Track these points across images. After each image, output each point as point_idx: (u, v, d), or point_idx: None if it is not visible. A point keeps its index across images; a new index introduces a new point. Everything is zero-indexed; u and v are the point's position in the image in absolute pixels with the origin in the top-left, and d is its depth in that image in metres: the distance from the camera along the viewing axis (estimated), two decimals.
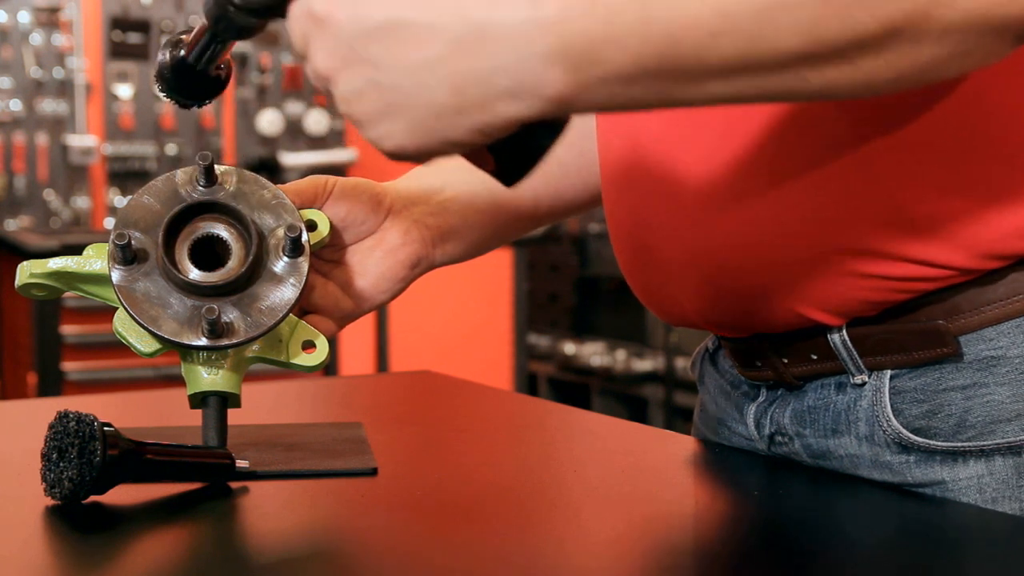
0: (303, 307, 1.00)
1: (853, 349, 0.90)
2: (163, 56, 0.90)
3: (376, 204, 1.01)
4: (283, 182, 0.99)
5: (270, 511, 0.89)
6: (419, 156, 0.74)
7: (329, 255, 1.01)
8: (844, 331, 0.90)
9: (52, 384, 3.71)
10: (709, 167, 0.90)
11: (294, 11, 0.76)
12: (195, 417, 0.97)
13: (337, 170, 5.56)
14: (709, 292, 0.94)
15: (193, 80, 0.90)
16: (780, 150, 0.87)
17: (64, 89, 5.37)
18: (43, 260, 0.97)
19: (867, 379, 0.91)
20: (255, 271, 0.94)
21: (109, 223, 5.32)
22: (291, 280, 0.94)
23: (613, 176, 1.00)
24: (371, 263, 1.01)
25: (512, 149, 0.75)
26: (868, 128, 0.85)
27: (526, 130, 0.73)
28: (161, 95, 0.91)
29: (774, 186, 0.88)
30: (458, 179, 1.05)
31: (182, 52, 0.89)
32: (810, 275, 0.89)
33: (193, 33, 0.88)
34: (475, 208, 1.06)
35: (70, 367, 3.74)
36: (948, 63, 0.71)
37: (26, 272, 0.97)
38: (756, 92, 0.71)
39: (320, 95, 5.76)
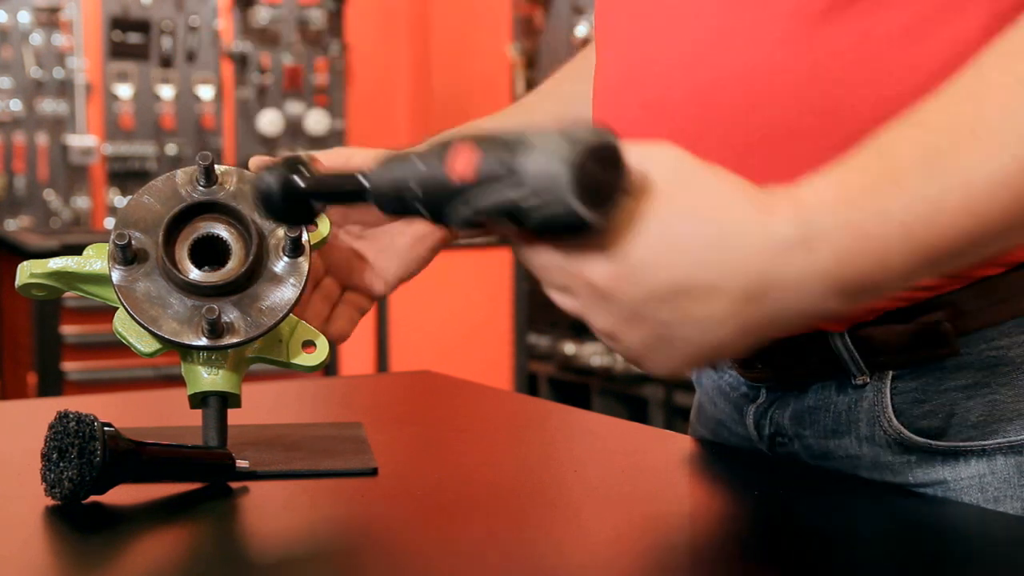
0: (343, 283, 1.03)
1: (854, 351, 0.90)
2: (273, 180, 0.83)
3: None
4: None
5: (270, 511, 0.89)
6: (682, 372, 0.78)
7: (358, 233, 1.04)
8: (846, 334, 0.90)
9: (52, 384, 3.72)
10: None
11: (551, 263, 0.75)
12: (195, 417, 0.97)
13: None
14: None
15: (301, 206, 0.85)
16: (782, 161, 0.86)
17: (64, 89, 5.38)
18: (43, 260, 0.97)
19: (868, 380, 0.91)
20: (255, 271, 0.94)
21: (109, 223, 5.32)
22: (291, 280, 0.94)
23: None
24: (401, 244, 1.04)
25: None
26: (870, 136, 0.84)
27: None
28: (259, 209, 0.85)
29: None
30: None
31: (302, 185, 0.83)
32: None
33: (326, 173, 0.83)
34: None
35: (70, 367, 3.74)
36: None
37: (26, 272, 0.97)
38: (999, 250, 0.75)
39: (320, 95, 5.77)
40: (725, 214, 0.71)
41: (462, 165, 0.73)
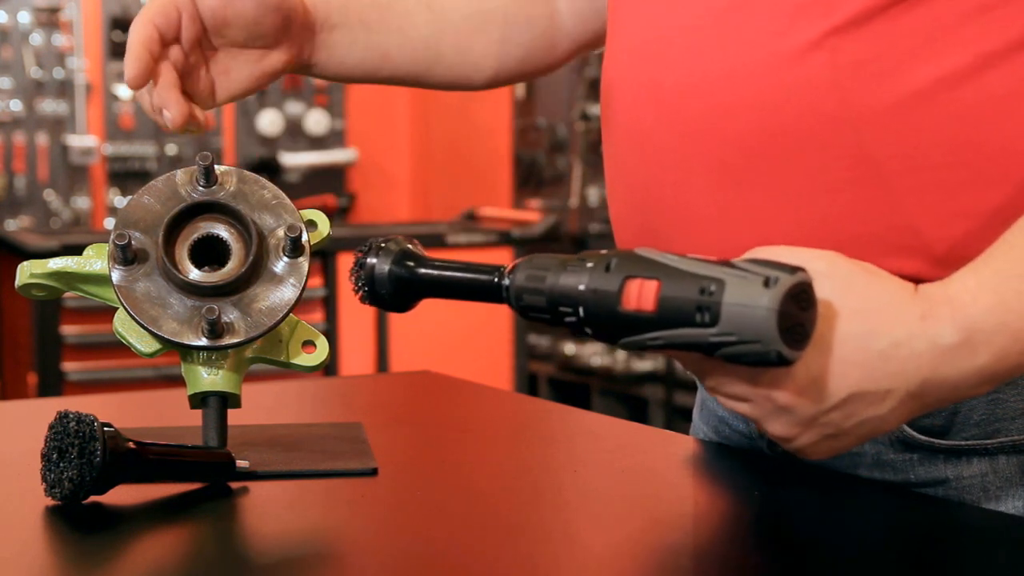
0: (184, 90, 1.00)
1: None
2: (381, 267, 0.83)
3: (292, 36, 1.04)
4: (283, 182, 0.99)
5: (270, 511, 0.89)
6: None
7: (223, 38, 1.02)
8: None
9: (52, 384, 3.71)
10: (720, 188, 0.89)
11: (731, 385, 0.78)
12: (195, 417, 0.97)
13: (337, 170, 5.56)
14: None
15: (408, 297, 0.85)
16: (791, 173, 0.86)
17: (64, 89, 5.37)
18: (43, 260, 0.97)
19: None
20: (255, 271, 0.94)
21: (109, 223, 5.32)
22: (291, 280, 0.94)
23: (618, 185, 0.99)
24: (244, 70, 1.04)
25: None
26: (888, 152, 0.84)
27: None
28: (359, 291, 0.85)
29: (791, 207, 0.87)
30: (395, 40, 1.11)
31: (417, 271, 0.83)
32: None
33: (440, 262, 0.83)
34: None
35: (70, 367, 3.74)
36: None
37: (26, 272, 0.97)
38: None
39: (320, 95, 5.77)
40: (895, 327, 0.76)
41: (641, 297, 0.75)
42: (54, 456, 0.84)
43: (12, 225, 5.23)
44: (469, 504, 0.90)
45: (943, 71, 0.83)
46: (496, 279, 0.81)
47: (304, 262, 0.95)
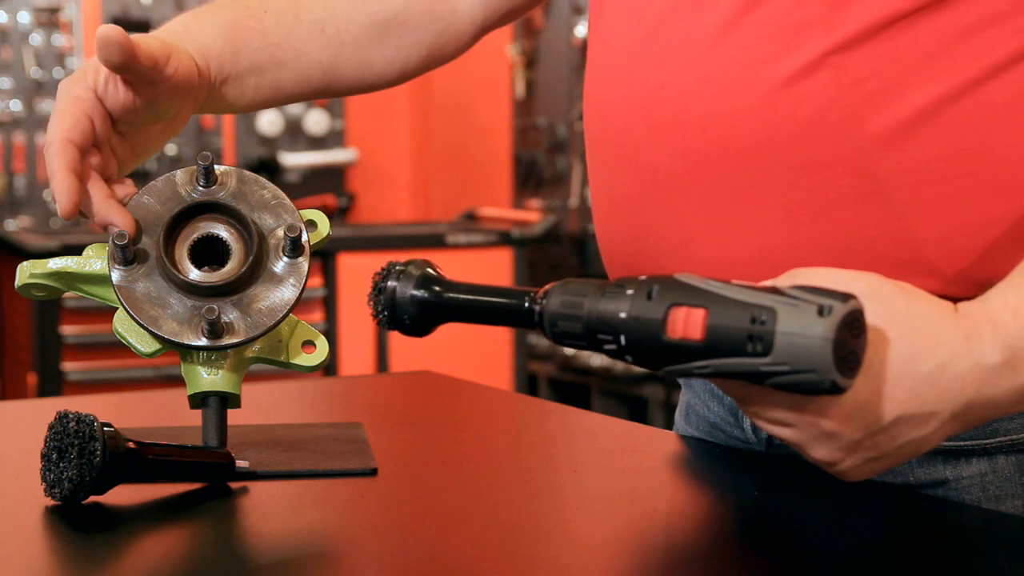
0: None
1: None
2: (403, 291, 0.82)
3: (192, 99, 1.02)
4: (283, 182, 0.99)
5: (270, 511, 0.89)
6: None
7: (130, 124, 0.98)
8: None
9: (52, 384, 3.71)
10: (715, 197, 0.89)
11: (784, 415, 0.78)
12: (195, 417, 0.97)
13: (337, 170, 5.56)
14: None
15: (430, 321, 0.84)
16: (789, 184, 0.86)
17: None
18: (43, 260, 0.97)
19: None
20: (255, 271, 0.94)
21: None
22: (291, 280, 0.94)
23: (601, 192, 0.99)
24: (153, 137, 1.01)
25: None
26: (890, 167, 0.84)
27: None
28: (378, 315, 0.83)
29: (792, 224, 0.87)
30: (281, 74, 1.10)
31: (444, 298, 0.82)
32: None
33: (465, 286, 0.82)
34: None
35: (70, 367, 3.74)
36: None
37: (26, 272, 0.97)
38: None
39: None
40: (939, 349, 0.76)
41: (687, 326, 0.73)
42: (54, 456, 0.84)
43: (12, 225, 5.23)
44: (469, 504, 0.90)
45: (945, 87, 0.83)
46: (528, 304, 0.80)
47: (304, 262, 0.95)
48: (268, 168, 5.36)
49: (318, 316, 3.91)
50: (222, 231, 0.95)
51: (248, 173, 0.97)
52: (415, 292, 0.82)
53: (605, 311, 0.76)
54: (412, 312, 0.82)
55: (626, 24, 0.95)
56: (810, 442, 0.78)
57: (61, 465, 0.83)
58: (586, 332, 0.77)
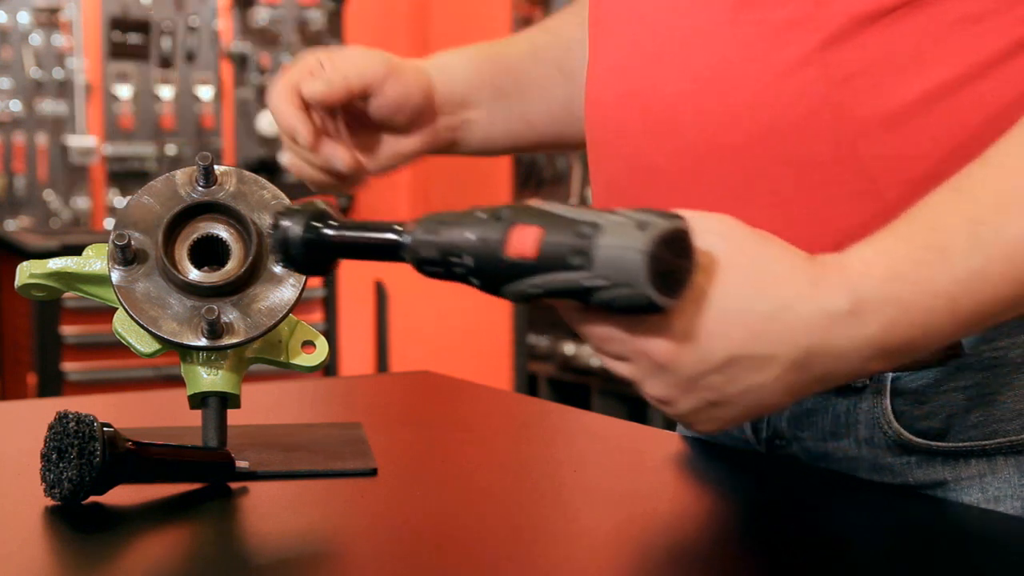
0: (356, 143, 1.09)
1: None
2: (293, 229, 0.83)
3: (427, 109, 1.12)
4: (283, 182, 0.99)
5: (270, 511, 0.89)
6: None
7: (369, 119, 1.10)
8: None
9: (52, 384, 3.71)
10: (714, 195, 0.89)
11: (610, 335, 0.76)
12: (195, 417, 0.97)
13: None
14: None
15: (324, 256, 0.84)
16: (788, 183, 0.86)
17: (64, 89, 5.37)
18: (43, 260, 0.97)
19: (867, 382, 0.91)
20: (255, 271, 0.94)
21: (109, 223, 5.32)
22: (291, 280, 0.94)
23: (602, 189, 0.99)
24: (384, 148, 1.13)
25: None
26: (882, 164, 0.84)
27: None
28: (275, 255, 0.85)
29: (779, 217, 0.87)
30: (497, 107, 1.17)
31: (329, 233, 0.83)
32: None
33: (352, 224, 0.83)
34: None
35: (70, 367, 3.74)
36: None
37: (26, 273, 0.97)
38: None
39: None
40: (781, 289, 0.74)
41: (523, 243, 0.74)
42: (54, 456, 0.84)
43: (12, 225, 5.23)
44: (469, 504, 0.90)
45: (934, 82, 0.83)
46: (397, 236, 0.81)
47: None
48: (268, 168, 5.37)
49: (318, 316, 3.91)
50: (222, 231, 0.95)
51: (248, 173, 0.97)
52: (303, 231, 0.84)
53: (458, 234, 0.77)
54: (300, 251, 0.84)
55: (623, 25, 0.95)
56: (645, 376, 0.77)
57: (61, 465, 0.83)
58: (441, 256, 0.78)
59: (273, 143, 5.62)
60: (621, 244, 0.71)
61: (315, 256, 0.83)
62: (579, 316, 0.77)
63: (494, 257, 0.75)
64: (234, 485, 0.91)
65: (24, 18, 5.31)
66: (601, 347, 0.78)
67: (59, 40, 5.35)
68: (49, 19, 5.35)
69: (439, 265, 0.78)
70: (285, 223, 0.83)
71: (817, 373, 0.75)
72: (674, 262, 0.72)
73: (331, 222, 0.83)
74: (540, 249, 0.73)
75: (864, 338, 0.74)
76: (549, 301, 0.76)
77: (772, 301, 0.74)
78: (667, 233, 0.71)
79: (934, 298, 0.74)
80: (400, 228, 0.81)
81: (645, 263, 0.71)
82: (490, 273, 0.76)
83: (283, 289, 0.94)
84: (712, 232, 0.75)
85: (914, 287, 0.74)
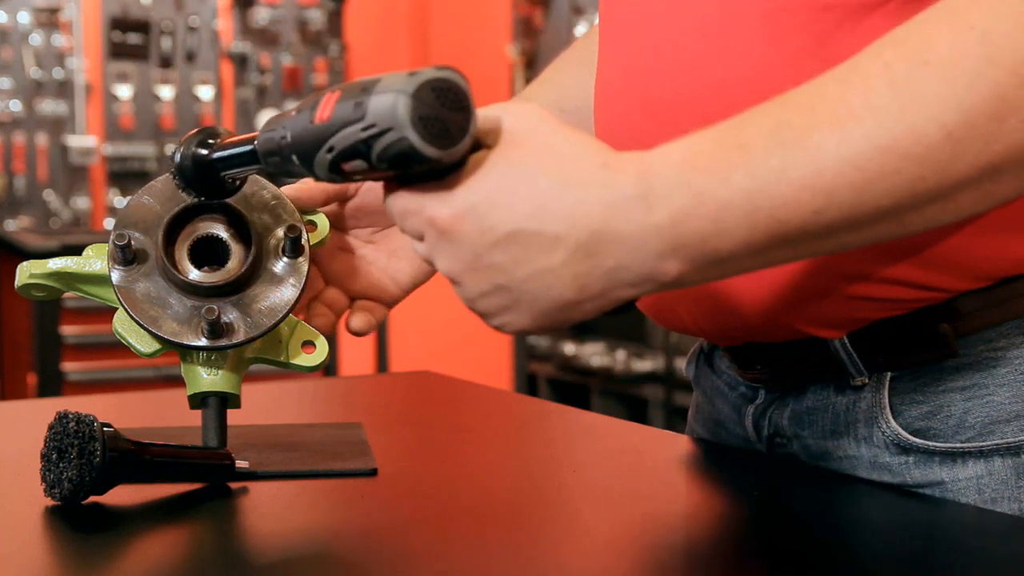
0: (351, 295, 1.02)
1: (853, 352, 0.90)
2: (186, 152, 0.87)
3: None
4: (283, 182, 0.99)
5: (270, 512, 0.89)
6: (536, 334, 0.79)
7: (367, 237, 1.02)
8: (844, 336, 0.90)
9: (52, 384, 3.71)
10: None
11: (406, 207, 0.76)
12: (195, 417, 0.97)
13: None
14: (706, 308, 0.94)
15: (212, 179, 0.88)
16: None
17: (64, 89, 5.38)
18: (43, 260, 0.97)
19: (867, 381, 0.91)
20: (255, 272, 0.94)
21: (109, 223, 5.32)
22: (291, 280, 0.94)
23: None
24: (409, 246, 1.03)
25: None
26: None
27: None
28: (176, 182, 0.89)
29: None
30: None
31: (214, 155, 0.86)
32: (810, 297, 0.88)
33: (229, 140, 0.86)
34: None
35: (70, 367, 3.74)
36: None
37: (26, 273, 0.97)
38: (859, 240, 0.74)
39: None
40: (569, 166, 0.72)
41: (324, 108, 0.76)
42: (54, 456, 0.84)
43: (12, 225, 5.23)
44: (469, 504, 0.90)
45: None
46: (253, 142, 0.83)
47: (304, 262, 0.95)
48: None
49: None
50: (222, 231, 0.95)
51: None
52: (193, 151, 0.87)
53: (285, 122, 0.79)
54: (192, 172, 0.88)
55: (626, 26, 0.95)
56: (434, 249, 0.76)
57: (61, 465, 0.83)
58: (274, 145, 0.79)
59: None
60: (389, 89, 0.72)
61: (203, 174, 0.87)
62: (386, 193, 0.77)
63: (305, 129, 0.77)
64: (234, 485, 0.92)
65: (24, 18, 5.31)
66: (403, 225, 0.77)
67: (59, 40, 5.35)
68: (49, 19, 5.35)
69: (274, 154, 0.80)
70: (180, 150, 0.87)
71: (606, 264, 0.72)
72: (443, 111, 0.72)
73: (211, 142, 0.87)
74: (333, 110, 0.75)
75: (652, 226, 0.71)
76: (355, 174, 0.76)
77: (560, 178, 0.72)
78: (435, 80, 0.72)
79: (727, 190, 0.70)
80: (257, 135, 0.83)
81: (407, 104, 0.71)
82: (303, 146, 0.77)
83: (283, 289, 0.94)
84: (513, 113, 0.75)
85: (708, 176, 0.71)
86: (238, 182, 0.91)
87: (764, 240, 0.71)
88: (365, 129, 0.73)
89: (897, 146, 0.69)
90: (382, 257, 1.02)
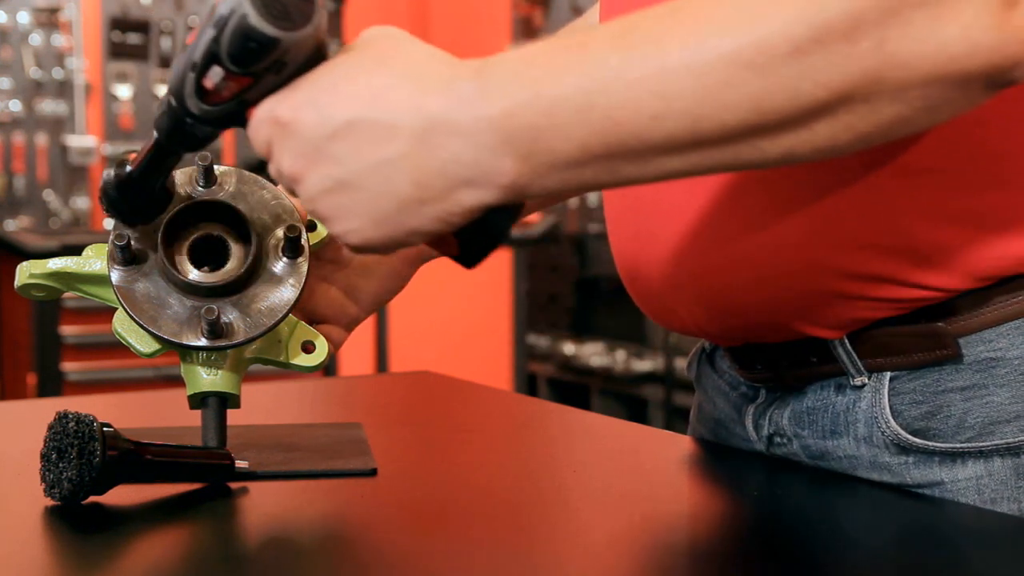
0: (310, 317, 1.00)
1: (853, 352, 0.90)
2: (107, 174, 0.88)
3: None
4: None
5: (270, 511, 0.89)
6: (385, 248, 0.77)
7: (331, 255, 1.01)
8: (844, 336, 0.90)
9: (52, 384, 3.71)
10: (712, 189, 0.90)
11: (258, 117, 0.78)
12: (195, 417, 0.97)
13: None
14: (707, 308, 0.94)
15: (139, 197, 0.89)
16: (783, 175, 0.86)
17: (64, 89, 5.38)
18: (43, 261, 0.97)
19: (867, 380, 0.91)
20: (254, 272, 0.94)
21: (109, 223, 5.31)
22: (290, 281, 0.94)
23: (615, 191, 0.99)
24: (373, 262, 1.02)
25: (473, 234, 0.78)
26: (873, 154, 0.84)
27: (485, 215, 0.76)
28: (106, 213, 0.90)
29: (776, 210, 0.87)
30: None
31: (128, 168, 0.87)
32: (810, 297, 0.89)
33: (141, 151, 0.87)
34: None
35: (70, 367, 3.74)
36: (915, 118, 0.70)
37: (26, 273, 0.97)
38: (712, 164, 0.72)
39: None
40: (411, 62, 0.74)
41: (190, 39, 0.78)
42: (53, 456, 0.84)
43: (12, 225, 5.23)
44: (469, 504, 0.90)
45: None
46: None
47: (303, 263, 0.95)
48: (268, 168, 5.36)
49: None
50: (221, 231, 0.95)
51: (248, 173, 0.97)
52: (115, 171, 0.88)
53: (169, 79, 0.82)
54: (113, 195, 0.89)
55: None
56: (277, 147, 0.77)
57: (61, 465, 0.83)
58: (161, 102, 0.83)
59: None
60: None
61: (127, 194, 0.88)
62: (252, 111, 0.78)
63: (176, 65, 0.80)
64: (234, 485, 0.92)
65: (24, 18, 5.31)
66: (255, 137, 0.78)
67: (59, 40, 5.36)
68: (49, 19, 5.35)
69: (163, 116, 0.82)
70: (105, 173, 0.88)
71: (442, 155, 0.72)
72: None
73: (127, 161, 0.88)
74: (199, 31, 0.77)
75: (486, 117, 0.71)
76: (218, 93, 0.77)
77: (402, 71, 0.73)
78: None
79: (562, 86, 0.70)
80: None
81: None
82: (176, 83, 0.79)
83: (283, 289, 0.94)
84: (373, 29, 0.77)
85: (544, 71, 0.70)
86: (168, 190, 0.92)
87: (602, 145, 0.70)
88: (215, 25, 0.75)
89: (741, 56, 0.68)
90: (347, 278, 1.02)
